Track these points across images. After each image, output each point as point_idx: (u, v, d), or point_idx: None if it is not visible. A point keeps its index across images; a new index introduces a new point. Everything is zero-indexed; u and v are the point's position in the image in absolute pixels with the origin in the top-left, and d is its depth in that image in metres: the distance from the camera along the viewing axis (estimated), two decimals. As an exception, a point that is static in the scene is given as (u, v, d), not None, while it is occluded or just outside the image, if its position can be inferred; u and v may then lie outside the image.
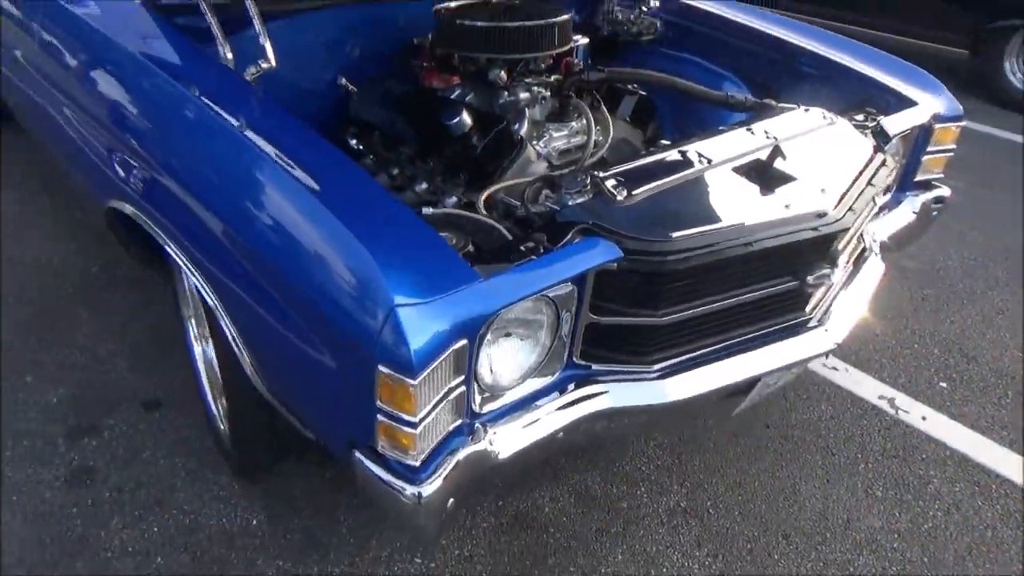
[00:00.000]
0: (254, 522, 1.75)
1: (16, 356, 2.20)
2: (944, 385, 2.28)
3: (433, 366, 1.07)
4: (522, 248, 1.29)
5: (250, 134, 1.39)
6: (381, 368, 1.06)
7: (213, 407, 1.91)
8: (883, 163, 1.75)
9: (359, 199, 1.25)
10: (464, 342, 1.11)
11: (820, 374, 2.28)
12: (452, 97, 1.99)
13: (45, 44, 1.91)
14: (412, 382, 1.05)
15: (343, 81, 2.10)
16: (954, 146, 2.08)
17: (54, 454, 1.89)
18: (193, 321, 1.95)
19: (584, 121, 1.96)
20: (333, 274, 1.14)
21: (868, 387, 2.25)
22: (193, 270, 1.43)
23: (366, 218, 1.19)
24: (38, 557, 1.64)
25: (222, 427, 1.87)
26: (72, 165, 2.01)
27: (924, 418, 2.15)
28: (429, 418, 1.12)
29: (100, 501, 1.78)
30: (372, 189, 1.29)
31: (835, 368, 2.31)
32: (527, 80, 1.99)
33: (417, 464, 1.15)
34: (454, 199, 1.75)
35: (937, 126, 2.00)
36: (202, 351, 1.96)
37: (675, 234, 1.33)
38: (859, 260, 1.82)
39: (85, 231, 2.81)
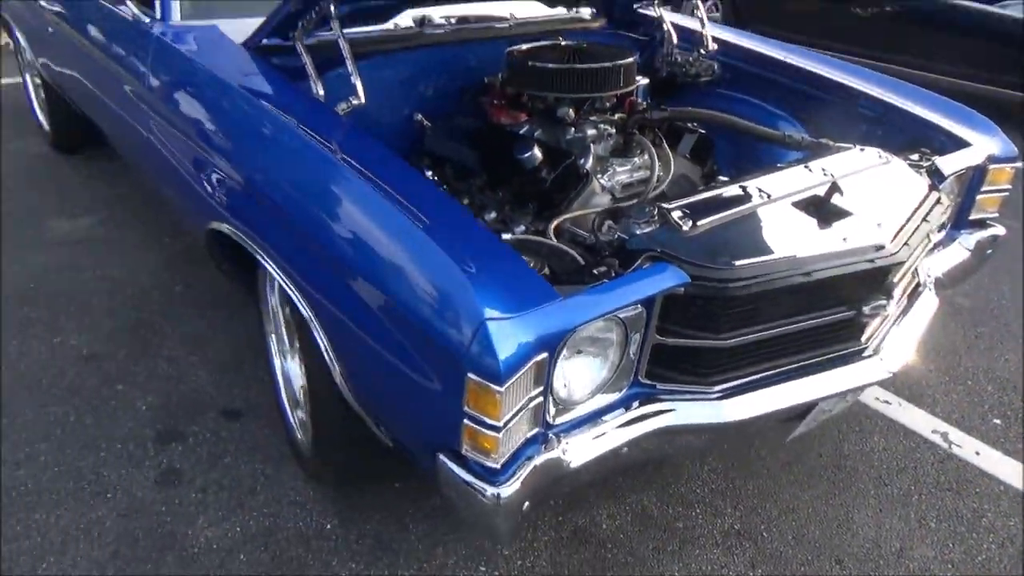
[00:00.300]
0: (328, 526, 1.86)
1: (108, 366, 2.36)
2: (998, 422, 2.30)
3: (517, 376, 1.17)
4: (595, 272, 1.40)
5: (346, 160, 1.53)
6: (470, 376, 1.17)
7: (291, 417, 2.05)
8: (938, 201, 1.82)
9: (449, 223, 1.37)
10: (544, 355, 1.22)
11: (872, 407, 2.32)
12: (521, 133, 2.12)
13: (155, 83, 2.09)
14: (499, 389, 1.15)
15: (418, 117, 2.24)
16: (1009, 186, 2.14)
17: (144, 457, 2.04)
18: (274, 337, 2.09)
19: (646, 157, 2.07)
20: (427, 291, 1.25)
21: (921, 421, 2.28)
22: (290, 286, 1.56)
23: (456, 240, 1.31)
24: (131, 551, 1.77)
25: (299, 436, 2.00)
26: (174, 192, 2.18)
27: (978, 453, 2.17)
28: (511, 424, 1.22)
29: (187, 501, 1.91)
30: (460, 214, 1.42)
31: (887, 402, 2.35)
32: (593, 118, 2.11)
33: (498, 467, 1.25)
34: (522, 227, 1.87)
35: (992, 167, 2.06)
36: (281, 365, 2.10)
37: (738, 262, 1.42)
38: (913, 295, 1.88)
39: (169, 253, 3.00)
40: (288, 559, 1.77)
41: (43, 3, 2.89)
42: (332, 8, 1.77)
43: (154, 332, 2.53)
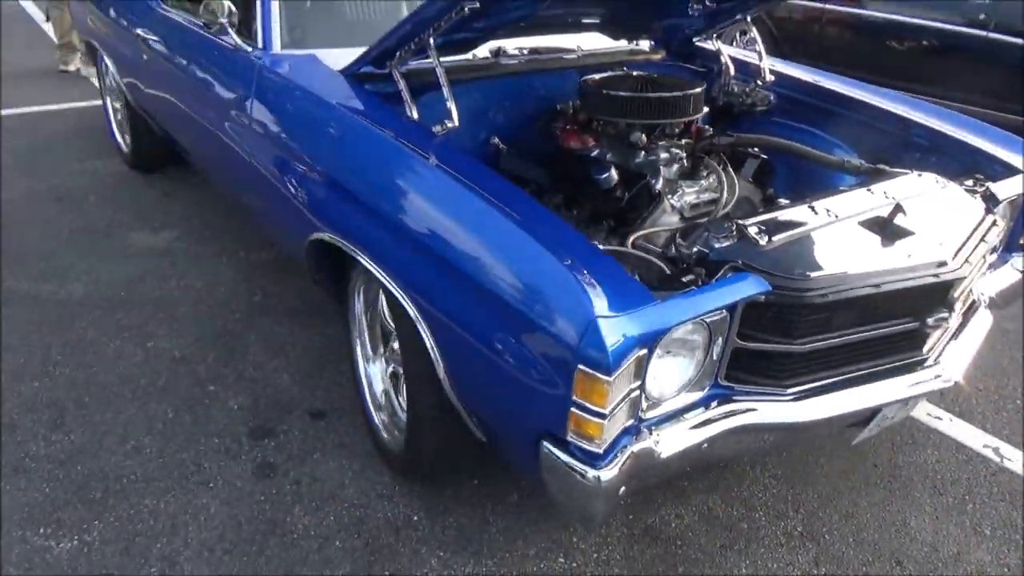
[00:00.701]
0: (415, 517, 1.99)
1: (199, 368, 2.53)
2: (1048, 439, 2.39)
3: (622, 368, 1.31)
4: (684, 280, 1.53)
5: (450, 172, 1.68)
6: (580, 367, 1.31)
7: (375, 417, 2.19)
8: (993, 223, 1.94)
9: (551, 230, 1.52)
10: (644, 351, 1.35)
11: (925, 422, 2.42)
12: (595, 156, 2.28)
13: (258, 107, 2.27)
14: (608, 379, 1.29)
15: (495, 140, 2.40)
16: (1059, 212, 2.25)
17: (240, 451, 2.19)
18: (359, 342, 2.25)
19: (713, 179, 2.21)
20: (538, 292, 1.40)
21: (972, 436, 2.38)
22: (397, 289, 1.71)
23: (561, 246, 1.45)
24: (236, 535, 1.92)
25: (384, 436, 2.14)
26: (271, 208, 2.34)
27: (1029, 467, 2.26)
28: (615, 412, 1.35)
29: (283, 492, 2.05)
30: (560, 223, 1.57)
31: (939, 418, 2.44)
32: (662, 143, 2.26)
33: (600, 451, 1.38)
34: (598, 243, 2.01)
35: (1042, 193, 2.17)
36: (366, 369, 2.25)
37: (813, 274, 1.55)
38: (969, 312, 1.99)
39: (246, 265, 3.18)
40: (380, 546, 1.90)
41: (140, 32, 3.12)
42: (431, 40, 1.94)
43: (237, 338, 2.70)
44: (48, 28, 6.55)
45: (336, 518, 1.98)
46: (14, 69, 6.03)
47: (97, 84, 4.37)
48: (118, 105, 4.11)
